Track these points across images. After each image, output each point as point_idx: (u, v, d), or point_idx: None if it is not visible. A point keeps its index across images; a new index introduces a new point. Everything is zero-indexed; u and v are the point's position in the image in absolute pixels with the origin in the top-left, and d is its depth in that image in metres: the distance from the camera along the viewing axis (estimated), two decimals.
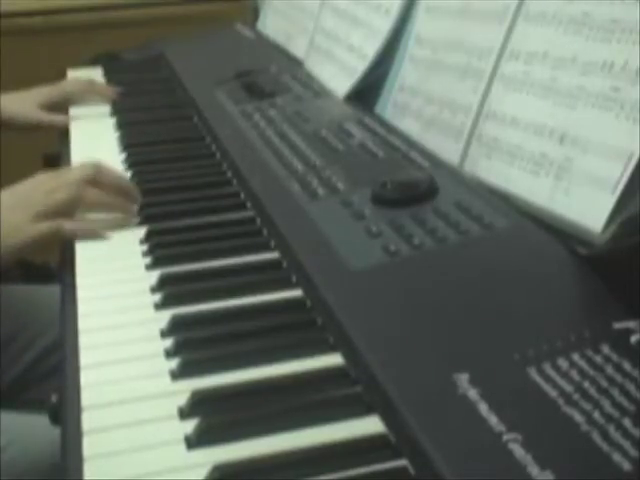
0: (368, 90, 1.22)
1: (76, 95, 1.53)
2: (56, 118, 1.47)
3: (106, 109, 1.48)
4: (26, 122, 1.47)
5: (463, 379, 0.58)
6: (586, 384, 0.56)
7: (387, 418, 0.60)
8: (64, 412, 0.67)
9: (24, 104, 1.47)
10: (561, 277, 0.71)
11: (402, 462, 0.57)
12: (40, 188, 0.97)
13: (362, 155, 1.02)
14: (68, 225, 0.95)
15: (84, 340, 0.76)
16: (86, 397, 0.67)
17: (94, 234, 0.96)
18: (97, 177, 0.98)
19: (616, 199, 0.74)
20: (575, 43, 0.84)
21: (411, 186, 0.88)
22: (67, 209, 0.96)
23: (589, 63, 0.81)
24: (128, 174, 1.15)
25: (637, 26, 0.77)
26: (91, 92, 1.54)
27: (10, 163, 2.05)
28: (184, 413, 0.64)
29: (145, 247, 0.92)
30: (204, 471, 0.57)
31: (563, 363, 0.58)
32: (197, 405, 0.64)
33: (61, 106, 1.50)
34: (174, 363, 0.70)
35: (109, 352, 0.74)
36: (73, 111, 1.48)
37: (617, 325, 0.61)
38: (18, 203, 0.96)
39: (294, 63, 1.49)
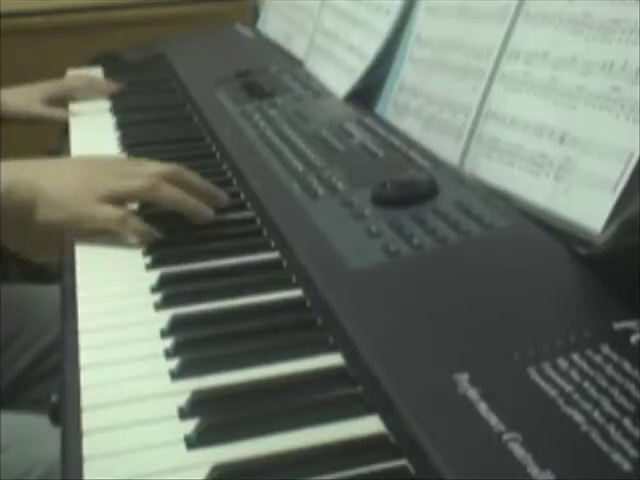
0: (368, 90, 1.22)
1: (76, 91, 1.54)
2: (56, 112, 1.48)
3: (106, 109, 1.48)
4: (27, 116, 1.48)
5: (463, 379, 0.58)
6: (586, 384, 0.56)
7: (387, 418, 0.60)
8: (64, 412, 0.67)
9: (25, 98, 1.48)
10: (561, 277, 0.71)
11: (402, 462, 0.57)
12: (113, 169, 0.92)
13: (362, 155, 1.02)
14: (166, 189, 0.89)
15: (84, 340, 0.76)
16: (86, 397, 0.67)
17: (195, 208, 0.90)
18: (178, 176, 0.93)
19: (616, 199, 0.74)
20: (575, 43, 0.83)
21: (411, 186, 0.88)
22: (137, 198, 0.92)
23: (589, 63, 0.81)
24: None
25: (637, 26, 0.77)
26: (91, 89, 1.55)
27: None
28: (184, 413, 0.64)
29: (145, 247, 0.92)
30: (204, 471, 0.57)
31: (563, 363, 0.58)
32: (197, 405, 0.64)
33: (61, 101, 1.51)
34: (174, 363, 0.70)
35: (109, 352, 0.74)
36: (73, 110, 1.48)
37: (617, 325, 0.61)
38: (84, 175, 0.89)
39: (294, 63, 1.49)
